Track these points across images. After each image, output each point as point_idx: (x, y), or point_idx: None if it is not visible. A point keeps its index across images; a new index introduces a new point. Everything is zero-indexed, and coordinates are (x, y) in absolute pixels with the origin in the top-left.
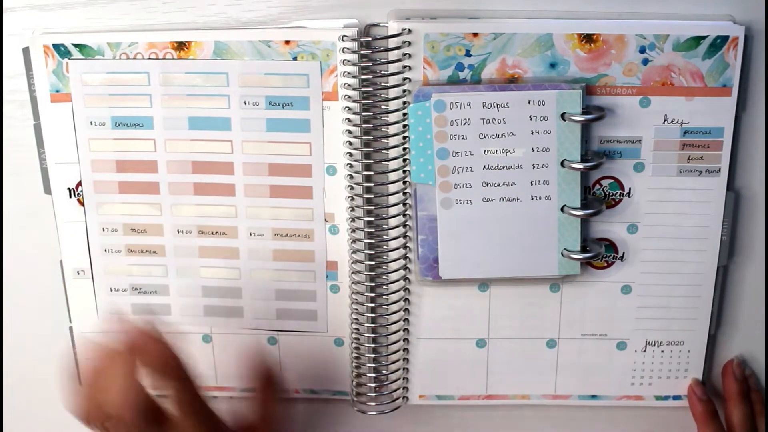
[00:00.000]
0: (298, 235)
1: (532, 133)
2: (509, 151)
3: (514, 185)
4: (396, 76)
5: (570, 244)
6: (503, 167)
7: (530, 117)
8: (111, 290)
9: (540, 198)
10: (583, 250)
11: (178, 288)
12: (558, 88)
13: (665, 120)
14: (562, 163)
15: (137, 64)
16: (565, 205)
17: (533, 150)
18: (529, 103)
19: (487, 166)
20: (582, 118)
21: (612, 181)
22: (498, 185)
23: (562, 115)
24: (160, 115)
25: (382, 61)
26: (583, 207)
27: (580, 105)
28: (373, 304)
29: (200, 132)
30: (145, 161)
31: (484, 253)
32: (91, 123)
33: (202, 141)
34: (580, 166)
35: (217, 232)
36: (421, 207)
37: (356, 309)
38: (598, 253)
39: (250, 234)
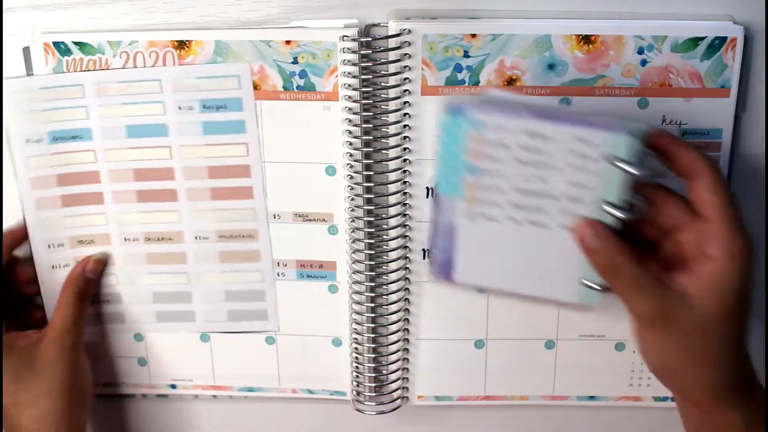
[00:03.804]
0: (243, 236)
1: (573, 168)
2: (545, 181)
3: (545, 213)
4: (396, 76)
5: (593, 275)
6: (536, 194)
7: (574, 152)
8: None
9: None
10: None
11: (129, 295)
12: (610, 127)
13: (664, 121)
14: (599, 202)
15: (71, 78)
16: None
17: (571, 184)
18: (576, 139)
19: (519, 190)
20: (633, 171)
21: None
22: (528, 210)
23: (609, 156)
24: (97, 126)
25: (382, 61)
26: None
27: (633, 153)
28: (372, 305)
29: (139, 140)
30: (87, 173)
31: (504, 267)
32: (27, 141)
33: (141, 149)
34: (618, 213)
35: (163, 238)
36: (440, 214)
37: (356, 309)
38: None
39: (196, 238)
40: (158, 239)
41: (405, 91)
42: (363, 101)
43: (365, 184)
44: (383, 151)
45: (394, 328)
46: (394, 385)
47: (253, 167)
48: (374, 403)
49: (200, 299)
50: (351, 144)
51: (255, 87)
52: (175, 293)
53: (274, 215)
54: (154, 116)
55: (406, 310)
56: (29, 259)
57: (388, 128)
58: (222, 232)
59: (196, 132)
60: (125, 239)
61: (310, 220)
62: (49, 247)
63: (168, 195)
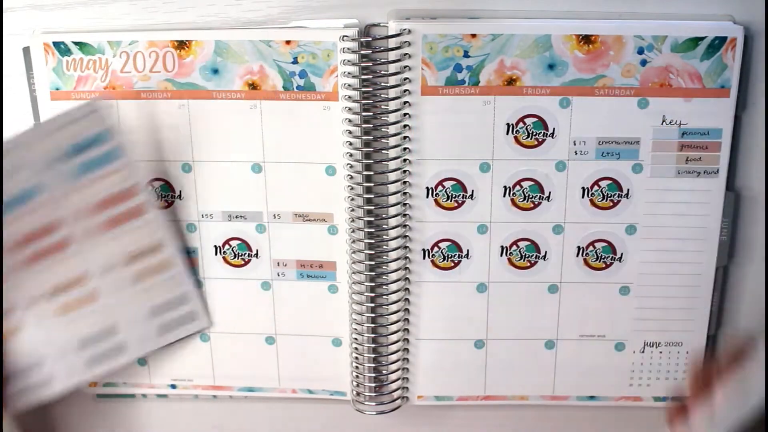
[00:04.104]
0: (150, 250)
1: None
2: None
3: None
4: (396, 77)
5: None
6: None
7: None
8: None
9: None
10: None
11: (53, 353)
12: None
13: (663, 121)
14: None
15: None
16: None
17: None
18: None
19: None
20: None
21: (610, 182)
22: None
23: None
24: None
25: (382, 61)
26: None
27: None
28: (372, 305)
29: (13, 213)
30: None
31: None
32: None
33: (17, 220)
34: None
35: (69, 285)
36: None
37: (356, 309)
38: None
39: (102, 271)
40: (65, 288)
41: (405, 91)
42: (363, 101)
43: (365, 184)
44: (383, 151)
45: (394, 328)
46: (394, 385)
47: (138, 185)
48: (374, 403)
49: (126, 327)
50: (351, 144)
51: (255, 87)
52: (99, 331)
53: (274, 215)
54: (21, 183)
55: (406, 310)
56: None
57: (388, 128)
58: (129, 254)
59: (72, 177)
60: (32, 301)
61: (310, 220)
62: None
63: (60, 245)
